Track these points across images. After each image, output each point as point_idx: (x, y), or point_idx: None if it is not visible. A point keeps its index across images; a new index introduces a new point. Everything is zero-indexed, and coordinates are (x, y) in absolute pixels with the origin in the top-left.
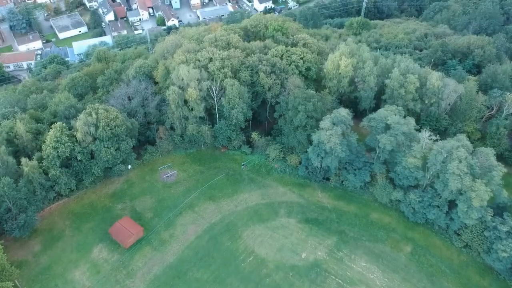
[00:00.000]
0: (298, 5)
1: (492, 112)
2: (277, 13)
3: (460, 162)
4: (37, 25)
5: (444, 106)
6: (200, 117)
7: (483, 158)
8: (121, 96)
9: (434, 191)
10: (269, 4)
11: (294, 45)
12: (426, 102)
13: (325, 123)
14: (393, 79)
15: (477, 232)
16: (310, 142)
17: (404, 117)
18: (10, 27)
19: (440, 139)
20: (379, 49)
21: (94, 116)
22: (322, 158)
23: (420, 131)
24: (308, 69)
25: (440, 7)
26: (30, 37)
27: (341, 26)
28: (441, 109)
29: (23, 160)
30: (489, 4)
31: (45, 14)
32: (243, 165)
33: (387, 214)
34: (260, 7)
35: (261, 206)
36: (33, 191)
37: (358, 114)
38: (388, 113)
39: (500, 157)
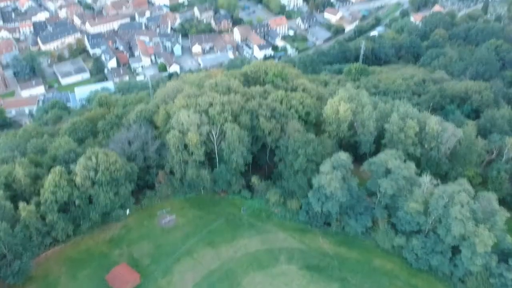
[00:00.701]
0: (297, 52)
1: (492, 157)
2: (276, 60)
3: (462, 206)
4: (41, 71)
5: (444, 150)
6: (200, 161)
7: (485, 203)
8: (121, 140)
9: (437, 237)
10: (269, 51)
11: (293, 90)
12: (426, 146)
13: (325, 167)
14: (392, 124)
15: (483, 279)
16: (311, 186)
17: (405, 161)
18: (14, 73)
19: (441, 184)
20: (378, 94)
21: (93, 160)
22: (323, 202)
23: (421, 176)
24: (307, 113)
25: (437, 53)
26: (33, 82)
27: (339, 72)
28: (441, 153)
29: (21, 204)
30: (484, 51)
31: (49, 61)
32: (243, 210)
33: (389, 260)
34: (260, 54)
35: (261, 253)
36: (29, 236)
37: (358, 158)
38: (388, 157)
39: (502, 202)
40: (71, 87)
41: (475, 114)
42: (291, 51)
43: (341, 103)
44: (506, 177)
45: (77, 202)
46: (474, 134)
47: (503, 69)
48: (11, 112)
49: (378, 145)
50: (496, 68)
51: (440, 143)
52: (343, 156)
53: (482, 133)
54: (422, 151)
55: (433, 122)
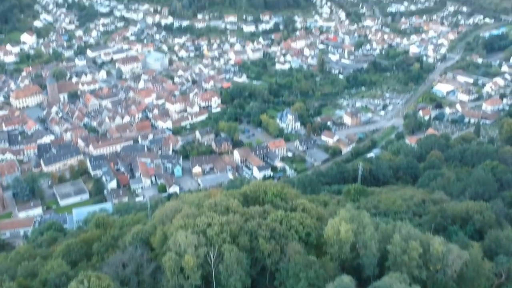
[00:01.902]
0: (296, 173)
1: (501, 280)
2: (275, 180)
3: None
4: (40, 192)
5: (450, 273)
6: (196, 286)
7: None
8: (115, 263)
9: None
10: (268, 172)
11: (293, 210)
12: (431, 268)
13: None
14: (395, 245)
15: None
16: None
17: (410, 285)
18: (14, 194)
19: None
20: (378, 215)
21: (85, 284)
22: None
23: None
24: (308, 234)
25: (435, 174)
26: (31, 204)
27: (339, 193)
28: (447, 276)
29: None
30: (481, 172)
31: (49, 182)
32: None
33: None
34: (259, 174)
35: None
36: None
37: (362, 281)
38: (393, 281)
39: None
40: (69, 208)
41: (478, 235)
42: (290, 172)
43: (342, 223)
44: None
45: None
46: (480, 256)
47: (501, 190)
48: (5, 234)
49: (382, 267)
50: (494, 188)
51: (446, 265)
52: (346, 280)
53: (487, 255)
54: (428, 274)
55: (437, 243)
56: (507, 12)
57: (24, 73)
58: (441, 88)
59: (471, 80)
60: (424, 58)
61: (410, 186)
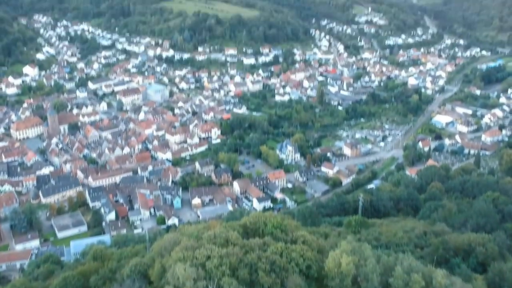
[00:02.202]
0: (296, 204)
1: None
2: (276, 212)
3: None
4: (38, 224)
5: None
6: None
7: None
8: None
9: None
10: (268, 203)
11: (293, 242)
12: None
13: None
14: (397, 278)
15: None
16: None
17: None
18: (11, 226)
19: None
20: (380, 247)
21: None
22: None
23: None
24: (308, 267)
25: (436, 206)
26: (29, 236)
27: (339, 224)
28: None
29: None
30: (482, 203)
31: (47, 214)
32: None
33: None
34: (259, 206)
35: None
36: None
37: None
38: None
39: None
40: (67, 240)
41: (481, 267)
42: (290, 203)
43: (343, 256)
44: None
45: None
46: None
47: (503, 222)
48: (1, 267)
49: None
50: (496, 220)
51: None
52: None
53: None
54: None
55: (440, 276)
56: (503, 45)
57: (25, 105)
58: (440, 120)
59: (469, 112)
60: (423, 90)
61: (411, 218)
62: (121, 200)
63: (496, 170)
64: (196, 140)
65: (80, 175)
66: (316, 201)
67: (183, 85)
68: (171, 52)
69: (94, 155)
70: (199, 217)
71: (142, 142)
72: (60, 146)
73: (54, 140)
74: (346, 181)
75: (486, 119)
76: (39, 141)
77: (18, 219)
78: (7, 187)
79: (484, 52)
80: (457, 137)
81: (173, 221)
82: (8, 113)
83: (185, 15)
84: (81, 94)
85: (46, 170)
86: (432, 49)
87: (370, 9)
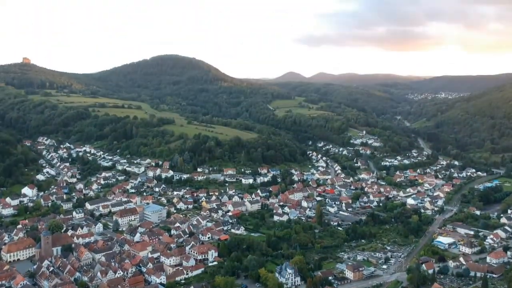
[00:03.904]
0: None
1: None
2: None
3: None
4: None
5: None
6: None
7: None
8: None
9: None
10: None
11: None
12: None
13: None
14: None
15: None
16: None
17: None
18: None
19: None
20: None
21: None
22: None
23: None
24: None
25: None
26: None
27: None
28: None
29: None
30: None
31: None
32: None
33: None
34: None
35: None
36: None
37: None
38: None
39: None
40: None
41: None
42: None
43: None
44: None
45: None
46: None
47: None
48: None
49: None
50: None
51: None
52: None
53: None
54: None
55: None
56: (497, 166)
57: (19, 226)
58: (443, 241)
59: (471, 232)
60: (422, 210)
61: None
62: None
63: None
64: (192, 262)
65: None
66: None
67: (181, 205)
68: (170, 173)
69: (85, 278)
70: None
71: (136, 264)
72: (51, 268)
73: (46, 263)
74: None
75: (489, 240)
76: (30, 263)
77: None
78: None
79: (479, 173)
80: (461, 259)
81: None
82: (1, 234)
83: (186, 138)
84: (78, 215)
85: None
86: (428, 170)
87: (364, 132)
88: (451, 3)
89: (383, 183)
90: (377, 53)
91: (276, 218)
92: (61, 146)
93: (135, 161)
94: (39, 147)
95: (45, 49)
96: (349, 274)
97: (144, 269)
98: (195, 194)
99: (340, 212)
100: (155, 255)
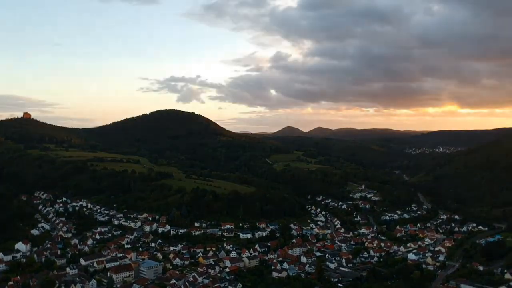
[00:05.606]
0: None
1: None
2: None
3: None
4: None
5: None
6: None
7: None
8: None
9: None
10: None
11: None
12: None
13: None
14: None
15: None
16: None
17: None
18: None
19: None
20: None
21: None
22: None
23: None
24: None
25: None
26: None
27: None
28: None
29: None
30: None
31: None
32: None
33: None
34: None
35: None
36: None
37: None
38: None
39: None
40: None
41: None
42: None
43: None
44: None
45: None
46: None
47: None
48: None
49: None
50: None
51: None
52: None
53: None
54: None
55: None
56: (499, 221)
57: (11, 282)
58: None
59: None
60: (424, 265)
61: None
62: None
63: None
64: None
65: None
66: None
67: (177, 261)
68: (167, 227)
69: None
70: None
71: None
72: None
73: None
74: None
75: None
76: None
77: None
78: None
79: (481, 227)
80: None
81: None
82: None
83: (184, 192)
84: (72, 271)
85: None
86: (428, 224)
87: (363, 186)
88: (445, 60)
89: (383, 237)
90: (373, 108)
91: (275, 274)
92: (58, 200)
93: (132, 215)
94: (35, 201)
95: (46, 105)
96: None
97: None
98: (191, 250)
99: (340, 268)
100: None
